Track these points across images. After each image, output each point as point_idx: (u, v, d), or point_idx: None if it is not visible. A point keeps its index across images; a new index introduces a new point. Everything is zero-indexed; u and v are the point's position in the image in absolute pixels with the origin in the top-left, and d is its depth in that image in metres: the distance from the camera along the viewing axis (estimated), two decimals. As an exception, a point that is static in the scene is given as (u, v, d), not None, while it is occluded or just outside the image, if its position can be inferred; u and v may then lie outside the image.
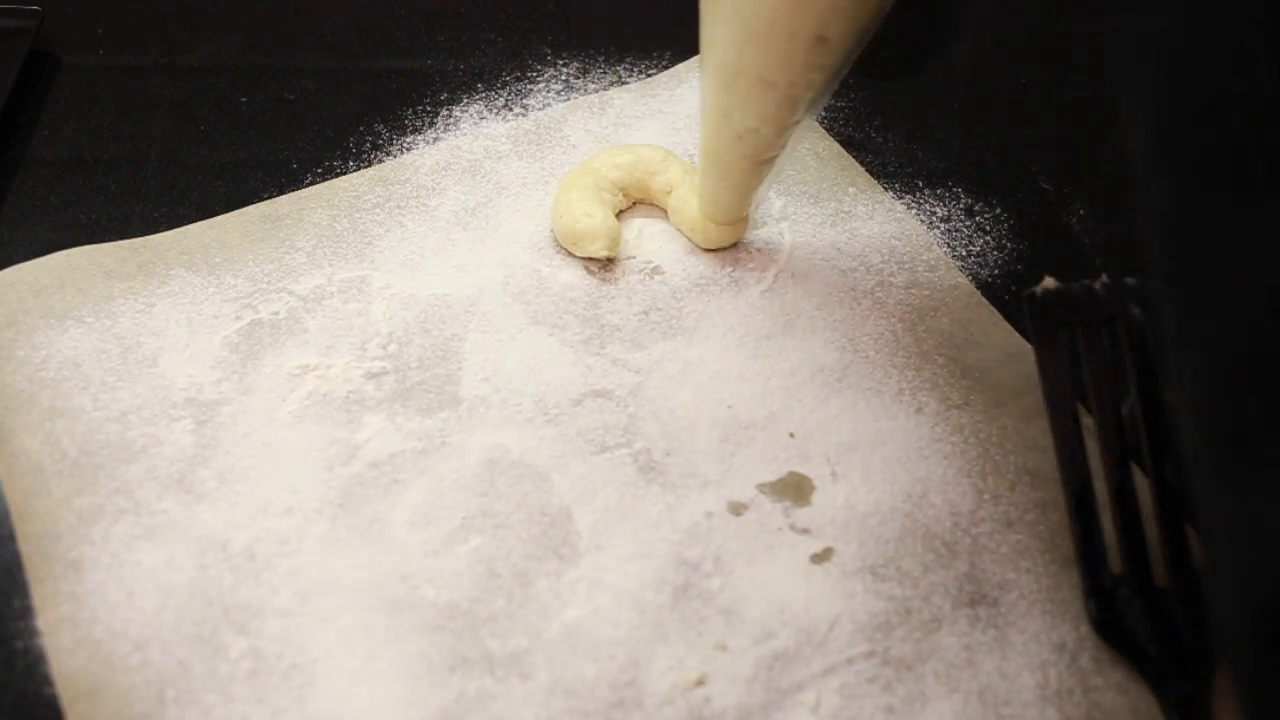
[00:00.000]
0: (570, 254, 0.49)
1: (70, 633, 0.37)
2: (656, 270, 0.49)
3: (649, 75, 0.58)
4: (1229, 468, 0.29)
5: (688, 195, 0.49)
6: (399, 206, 0.51)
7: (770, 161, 0.44)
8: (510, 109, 0.56)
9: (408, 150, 0.54)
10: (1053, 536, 0.40)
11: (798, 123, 0.41)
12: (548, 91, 0.57)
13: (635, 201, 0.51)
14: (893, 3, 0.37)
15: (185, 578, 0.38)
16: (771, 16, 0.36)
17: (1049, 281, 0.40)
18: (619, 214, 0.50)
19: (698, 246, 0.49)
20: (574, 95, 0.57)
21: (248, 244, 0.49)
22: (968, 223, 0.52)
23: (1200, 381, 0.30)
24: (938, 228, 0.51)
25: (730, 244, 0.49)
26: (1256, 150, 0.27)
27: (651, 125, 0.55)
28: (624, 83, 0.57)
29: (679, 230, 0.50)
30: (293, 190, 0.51)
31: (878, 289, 0.48)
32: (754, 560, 0.39)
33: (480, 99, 0.57)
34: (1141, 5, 0.29)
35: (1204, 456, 0.31)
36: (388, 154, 0.54)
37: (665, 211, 0.51)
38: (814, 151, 0.54)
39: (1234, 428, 0.29)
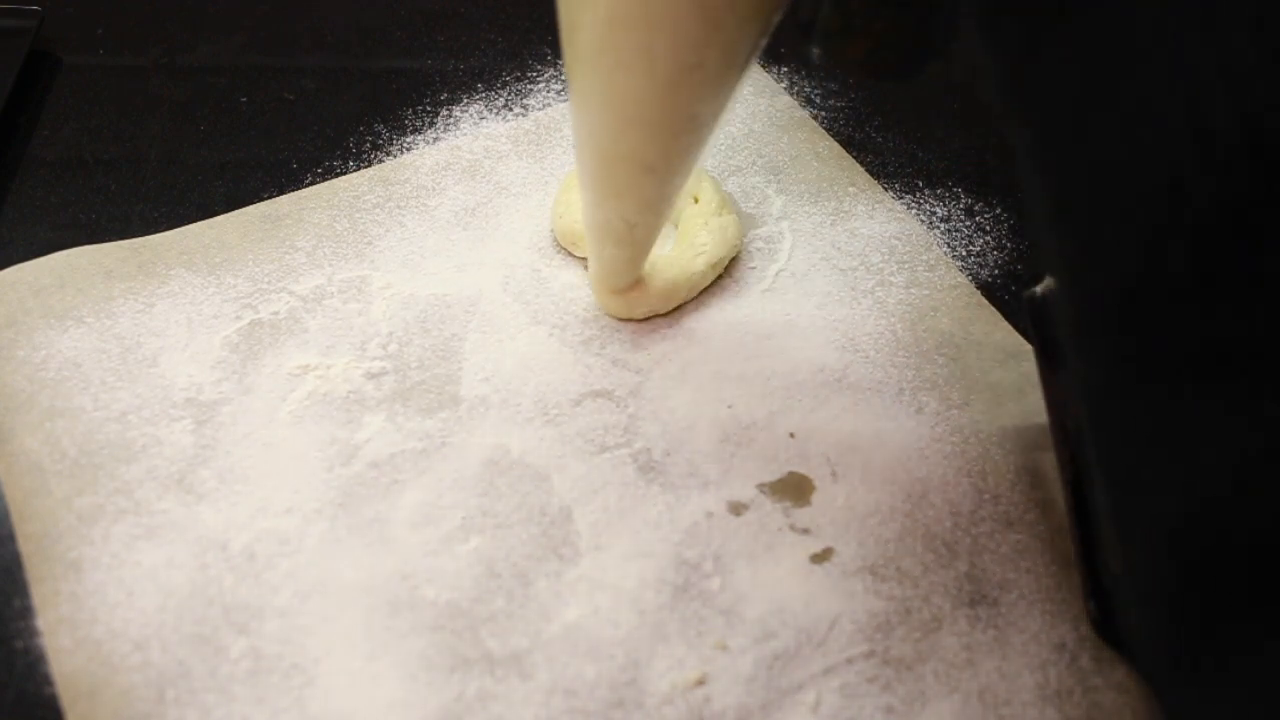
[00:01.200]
0: (570, 254, 0.49)
1: (70, 633, 0.37)
2: (656, 270, 0.49)
3: (649, 75, 0.58)
4: (1173, 658, 0.29)
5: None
6: (399, 206, 0.51)
7: (652, 243, 0.43)
8: (510, 109, 0.56)
9: (408, 150, 0.54)
10: (1053, 536, 0.40)
11: (670, 206, 0.41)
12: (548, 91, 0.57)
13: None
14: (750, 68, 0.36)
15: (185, 578, 0.38)
16: (644, 100, 0.35)
17: (1049, 281, 0.40)
18: None
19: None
20: (574, 95, 0.57)
21: (248, 244, 0.49)
22: (968, 223, 0.52)
23: (1140, 567, 0.30)
24: (938, 228, 0.51)
25: (637, 315, 0.46)
26: (1173, 341, 0.26)
27: (651, 125, 0.55)
28: (624, 83, 0.57)
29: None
30: (293, 190, 0.51)
31: (878, 289, 0.48)
32: (754, 560, 0.39)
33: (480, 99, 0.57)
34: (1059, 184, 0.28)
35: (1149, 637, 0.31)
36: (388, 154, 0.54)
37: None
38: (814, 151, 0.54)
39: (1173, 618, 0.29)
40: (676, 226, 0.49)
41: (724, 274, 0.48)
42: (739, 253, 0.49)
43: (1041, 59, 0.27)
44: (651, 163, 0.38)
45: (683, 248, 0.47)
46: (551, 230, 0.49)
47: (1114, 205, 0.26)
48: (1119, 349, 0.28)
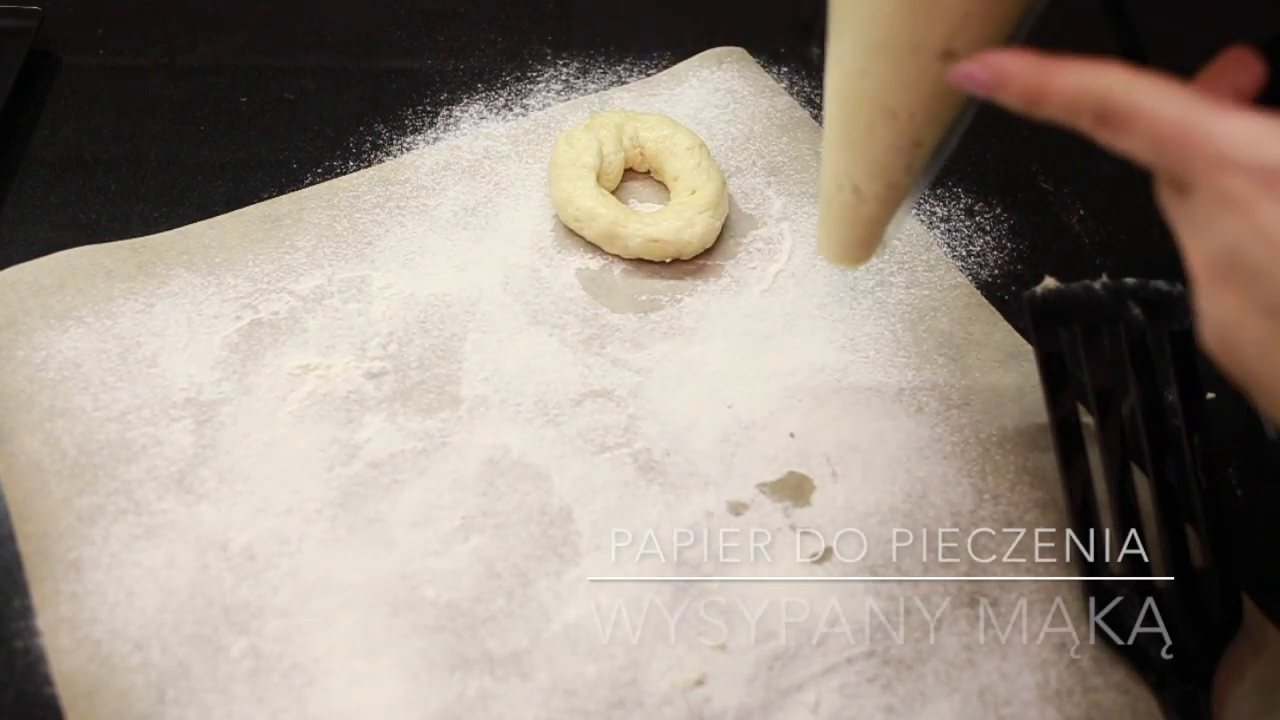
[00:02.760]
0: (569, 254, 0.49)
1: (70, 633, 0.37)
2: (657, 270, 0.49)
3: (649, 75, 0.58)
4: None
5: (685, 199, 0.49)
6: (399, 206, 0.51)
7: (882, 221, 0.40)
8: (510, 109, 0.56)
9: (408, 150, 0.54)
10: (1052, 536, 0.40)
11: (903, 178, 0.37)
12: (548, 91, 0.57)
13: (631, 168, 0.52)
14: (1030, 25, 0.34)
15: (185, 578, 0.38)
16: (893, 22, 0.33)
17: (1049, 281, 0.40)
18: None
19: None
20: (574, 95, 0.57)
21: (248, 244, 0.49)
22: (968, 223, 0.52)
23: None
24: (938, 228, 0.51)
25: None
26: None
27: (651, 125, 0.55)
28: (624, 83, 0.57)
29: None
30: (293, 190, 0.51)
31: (878, 289, 0.48)
32: (754, 560, 0.39)
33: (480, 99, 0.57)
34: None
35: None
36: (388, 154, 0.54)
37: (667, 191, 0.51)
38: (814, 151, 0.54)
39: None
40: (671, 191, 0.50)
41: (724, 274, 0.48)
42: (740, 253, 0.49)
43: None
44: (893, 106, 0.35)
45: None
46: (554, 214, 0.49)
47: None
48: None
